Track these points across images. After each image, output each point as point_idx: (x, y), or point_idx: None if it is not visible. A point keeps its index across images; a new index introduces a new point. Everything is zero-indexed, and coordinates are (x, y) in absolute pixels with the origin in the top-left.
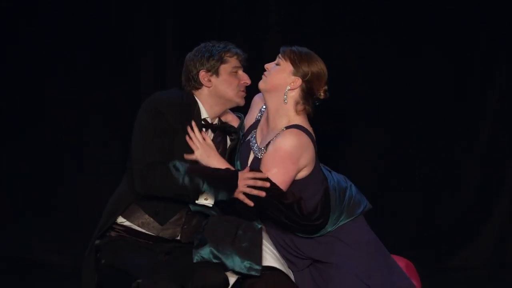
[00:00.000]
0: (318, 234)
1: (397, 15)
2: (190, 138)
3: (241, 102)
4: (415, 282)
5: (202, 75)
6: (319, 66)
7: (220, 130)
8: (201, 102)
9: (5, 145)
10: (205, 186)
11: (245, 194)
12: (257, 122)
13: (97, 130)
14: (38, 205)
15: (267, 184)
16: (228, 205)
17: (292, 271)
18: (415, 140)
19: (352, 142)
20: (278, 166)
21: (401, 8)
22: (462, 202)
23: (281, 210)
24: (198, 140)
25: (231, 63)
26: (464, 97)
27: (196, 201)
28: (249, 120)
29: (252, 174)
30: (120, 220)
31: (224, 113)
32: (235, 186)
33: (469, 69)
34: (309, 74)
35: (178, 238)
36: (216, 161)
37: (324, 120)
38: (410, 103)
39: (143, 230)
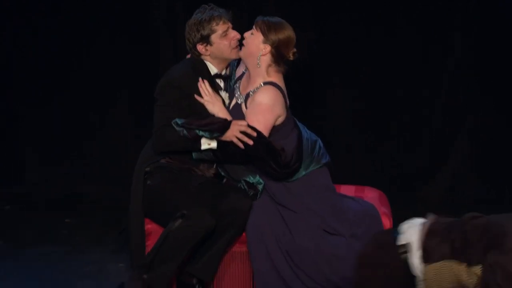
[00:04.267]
0: (294, 178)
1: None
2: (203, 88)
3: (236, 56)
4: (386, 209)
5: (199, 47)
6: (286, 34)
7: (227, 79)
8: (209, 62)
9: (55, 101)
10: (200, 131)
11: (237, 138)
12: (243, 74)
13: (123, 92)
14: (80, 150)
15: (254, 134)
16: (222, 151)
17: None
18: (386, 97)
19: (330, 100)
20: (259, 116)
21: None
22: (425, 148)
23: (264, 158)
24: (207, 90)
25: (219, 30)
26: (427, 59)
27: (201, 148)
28: (238, 72)
29: (245, 123)
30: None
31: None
32: (227, 128)
33: (432, 34)
34: (277, 41)
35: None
36: (218, 108)
37: (306, 85)
38: (382, 67)
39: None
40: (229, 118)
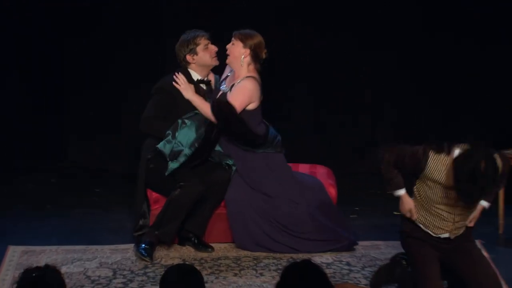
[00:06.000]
0: (255, 149)
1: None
2: (178, 79)
3: (216, 63)
4: (332, 181)
5: (188, 57)
6: (258, 38)
7: (208, 84)
8: (193, 70)
9: (88, 90)
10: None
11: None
12: (226, 77)
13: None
14: (105, 131)
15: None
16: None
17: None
18: (337, 92)
19: (295, 96)
20: (239, 96)
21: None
22: (363, 130)
23: (233, 123)
24: (182, 80)
25: (202, 44)
26: (362, 60)
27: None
28: (223, 76)
29: None
30: None
31: (209, 74)
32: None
33: (366, 38)
34: (253, 45)
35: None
36: (191, 93)
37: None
38: (328, 66)
39: None
40: (200, 100)
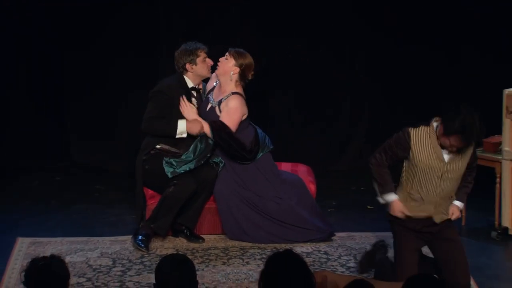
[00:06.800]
0: (256, 158)
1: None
2: (182, 103)
3: (210, 75)
4: (311, 178)
5: (187, 66)
6: (249, 60)
7: (199, 92)
8: (188, 78)
9: (88, 90)
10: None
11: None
12: (213, 88)
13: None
14: (105, 132)
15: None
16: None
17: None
18: (315, 96)
19: (277, 101)
20: (232, 116)
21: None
22: (340, 132)
23: (232, 145)
24: (185, 103)
25: (201, 56)
26: (338, 70)
27: (176, 136)
28: (209, 86)
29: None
30: (157, 146)
31: (200, 83)
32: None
33: (340, 52)
34: (244, 65)
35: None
36: (194, 116)
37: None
38: (310, 75)
39: (171, 150)
40: (198, 117)
